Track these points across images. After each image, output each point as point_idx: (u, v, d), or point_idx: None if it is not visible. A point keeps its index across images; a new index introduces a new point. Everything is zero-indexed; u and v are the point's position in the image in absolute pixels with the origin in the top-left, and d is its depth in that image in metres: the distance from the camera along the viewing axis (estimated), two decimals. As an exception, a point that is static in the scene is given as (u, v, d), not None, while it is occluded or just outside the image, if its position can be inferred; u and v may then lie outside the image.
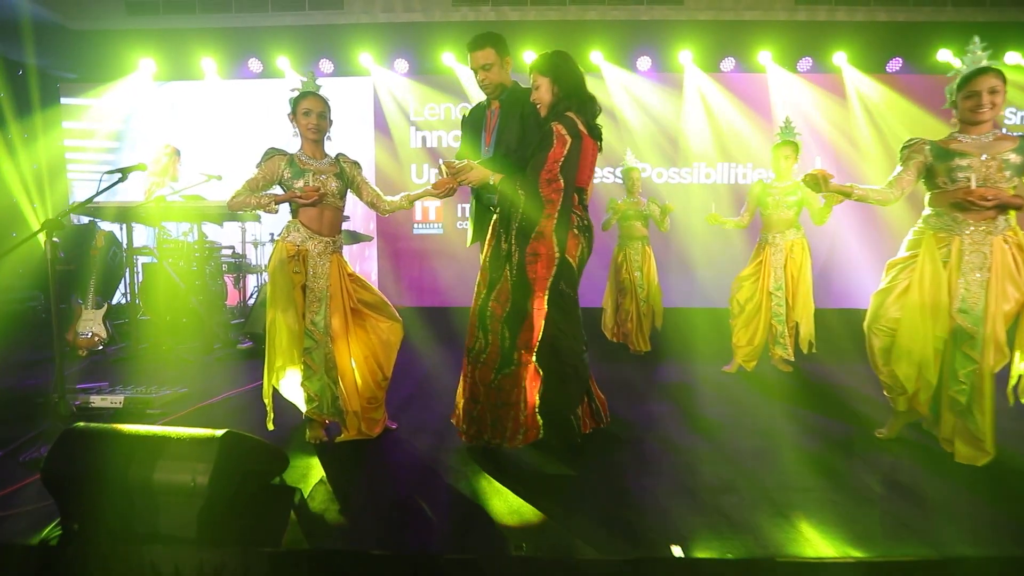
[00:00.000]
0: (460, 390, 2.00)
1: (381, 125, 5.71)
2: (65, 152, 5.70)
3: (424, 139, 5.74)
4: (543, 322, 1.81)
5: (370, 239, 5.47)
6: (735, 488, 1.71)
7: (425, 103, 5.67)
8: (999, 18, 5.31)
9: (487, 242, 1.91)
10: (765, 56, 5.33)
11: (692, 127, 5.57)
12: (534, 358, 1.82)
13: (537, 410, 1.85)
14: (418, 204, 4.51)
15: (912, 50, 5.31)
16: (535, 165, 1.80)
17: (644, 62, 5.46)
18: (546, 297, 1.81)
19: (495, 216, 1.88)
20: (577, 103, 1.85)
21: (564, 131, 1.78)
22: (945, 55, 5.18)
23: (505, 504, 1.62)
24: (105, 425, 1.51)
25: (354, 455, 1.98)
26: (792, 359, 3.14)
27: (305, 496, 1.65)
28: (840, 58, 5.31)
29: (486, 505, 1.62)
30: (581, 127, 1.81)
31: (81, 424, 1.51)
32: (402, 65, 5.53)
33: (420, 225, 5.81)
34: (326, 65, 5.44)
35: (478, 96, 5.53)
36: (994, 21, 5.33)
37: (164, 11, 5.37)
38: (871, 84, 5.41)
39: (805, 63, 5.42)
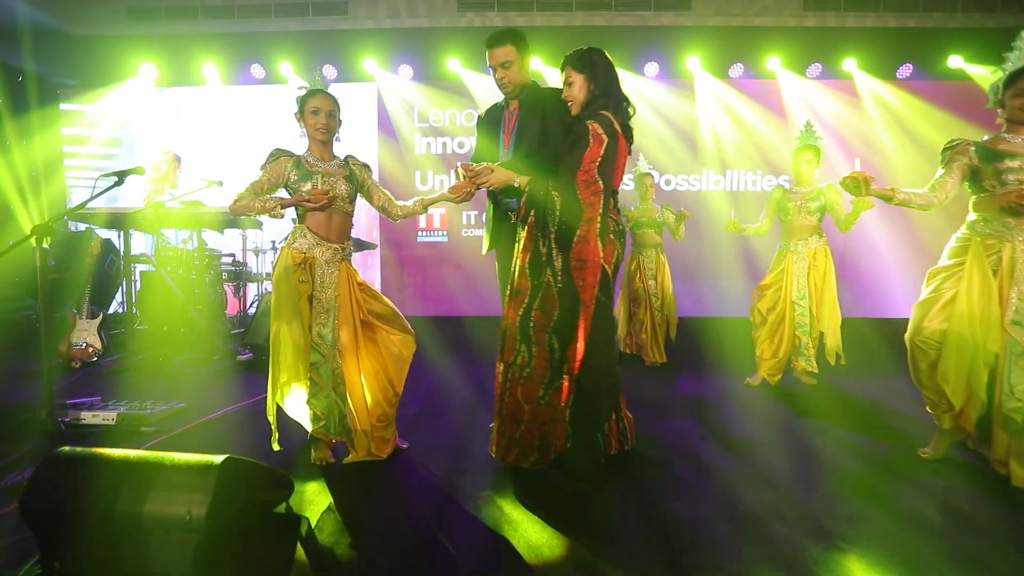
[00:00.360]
0: (497, 411, 1.84)
1: (385, 131, 5.63)
2: (64, 158, 5.60)
3: (429, 145, 5.66)
4: (589, 331, 1.68)
5: (374, 247, 5.35)
6: (781, 515, 1.57)
7: (430, 109, 5.59)
8: (1010, 23, 5.26)
9: (522, 247, 1.78)
10: (774, 62, 5.27)
11: (702, 133, 5.49)
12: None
13: (568, 422, 1.71)
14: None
15: (923, 56, 5.25)
16: (570, 166, 1.68)
17: (652, 68, 5.40)
18: (595, 307, 1.69)
19: (530, 219, 1.76)
20: (614, 102, 1.75)
21: (600, 130, 1.67)
22: (956, 61, 5.13)
23: (532, 534, 1.48)
24: (91, 450, 1.37)
25: (363, 479, 1.84)
26: (816, 371, 3.01)
27: (313, 527, 1.51)
28: (850, 64, 5.24)
29: (511, 536, 1.48)
30: (617, 127, 1.71)
31: (66, 449, 1.37)
32: (407, 71, 5.46)
33: (424, 233, 5.69)
34: (329, 71, 5.37)
35: (485, 101, 5.41)
36: (1005, 26, 5.29)
37: (166, 17, 5.30)
38: (885, 88, 5.34)
39: (815, 69, 5.36)
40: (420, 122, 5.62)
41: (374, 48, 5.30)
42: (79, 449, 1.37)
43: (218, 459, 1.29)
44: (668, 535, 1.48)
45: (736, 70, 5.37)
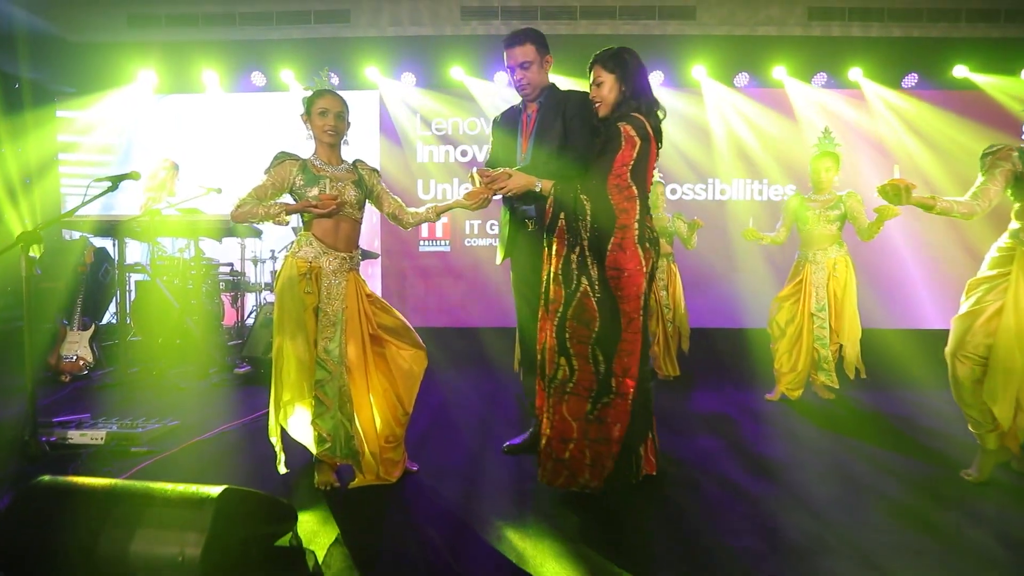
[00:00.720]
0: (542, 431, 1.72)
1: (388, 140, 5.55)
2: (59, 165, 5.49)
3: (432, 153, 5.58)
4: (640, 346, 1.58)
5: (376, 256, 5.25)
6: (828, 547, 1.45)
7: (433, 117, 5.53)
8: (1014, 34, 5.27)
9: (554, 252, 1.68)
10: (780, 71, 5.25)
11: (710, 141, 5.44)
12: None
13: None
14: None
15: (928, 66, 5.25)
16: (600, 169, 1.59)
17: (657, 76, 5.36)
18: (641, 318, 1.58)
19: (560, 223, 1.65)
20: (646, 104, 1.66)
21: (633, 132, 1.58)
22: (962, 71, 5.13)
23: (560, 570, 1.35)
24: (73, 480, 1.24)
25: (372, 505, 1.70)
26: (837, 386, 2.89)
27: (319, 561, 1.37)
28: (856, 73, 5.23)
29: (536, 572, 1.35)
30: (649, 129, 1.62)
31: (46, 478, 1.24)
32: (409, 79, 5.40)
33: (427, 242, 5.59)
34: (332, 79, 5.30)
35: (490, 108, 5.29)
36: (1009, 37, 5.29)
37: (166, 24, 5.24)
38: (894, 96, 5.32)
39: (820, 78, 5.34)
40: (423, 130, 5.55)
41: (376, 56, 5.24)
42: (60, 479, 1.24)
43: (215, 491, 1.17)
44: (713, 572, 1.35)
45: (742, 79, 5.34)
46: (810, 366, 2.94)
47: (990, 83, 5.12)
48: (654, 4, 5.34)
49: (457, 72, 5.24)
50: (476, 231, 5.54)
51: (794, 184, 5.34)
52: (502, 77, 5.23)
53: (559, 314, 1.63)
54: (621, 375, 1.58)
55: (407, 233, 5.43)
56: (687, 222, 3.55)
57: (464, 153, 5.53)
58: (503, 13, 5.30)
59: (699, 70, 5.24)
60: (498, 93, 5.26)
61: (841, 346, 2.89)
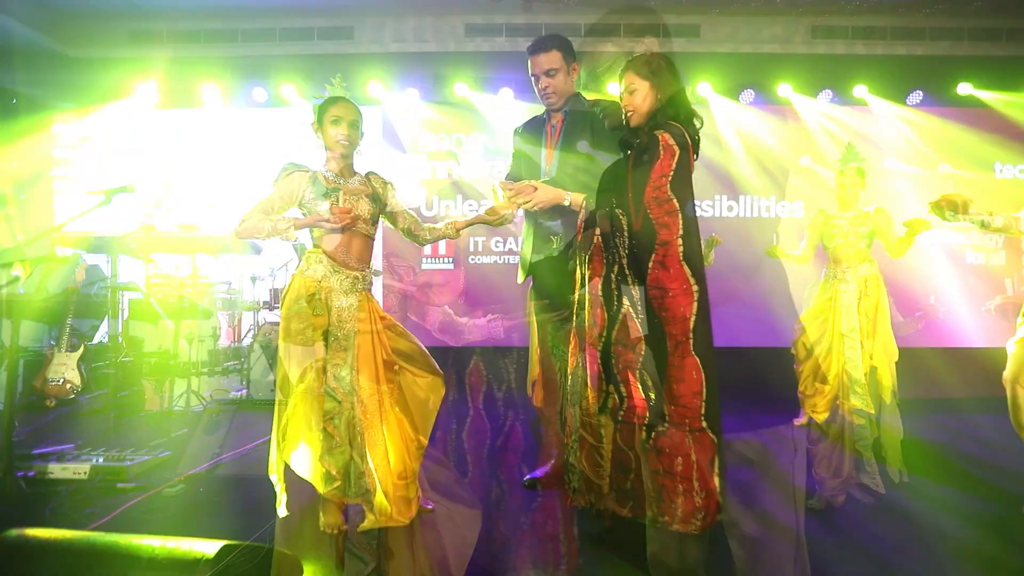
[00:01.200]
0: (606, 463, 1.60)
1: (389, 156, 5.47)
2: (53, 181, 5.37)
3: (435, 170, 5.50)
4: (699, 375, 1.44)
5: (378, 274, 5.11)
6: (904, 603, 1.29)
7: (436, 133, 5.46)
8: (1016, 52, 5.30)
9: (591, 272, 1.55)
10: (786, 88, 5.24)
11: (721, 158, 5.38)
12: (703, 423, 1.44)
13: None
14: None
15: (933, 83, 5.26)
16: (636, 182, 1.48)
17: (663, 92, 5.33)
18: (692, 343, 1.45)
19: (596, 240, 1.53)
20: (684, 114, 1.55)
21: (672, 141, 1.48)
22: (966, 88, 5.13)
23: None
24: (47, 534, 1.07)
25: (385, 551, 1.53)
26: (872, 411, 2.74)
27: (327, 627, 1.20)
28: (861, 91, 5.23)
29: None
30: (688, 139, 1.51)
31: (13, 533, 1.07)
32: (412, 94, 5.35)
33: (429, 260, 5.46)
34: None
35: (496, 124, 5.17)
36: (1012, 55, 5.33)
37: (168, 40, 5.19)
38: (903, 112, 5.30)
39: (826, 95, 5.34)
40: (426, 147, 5.48)
41: (380, 72, 5.19)
42: (28, 534, 1.07)
43: (210, 550, 1.00)
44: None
45: (747, 96, 5.33)
46: (838, 389, 2.80)
47: (996, 99, 5.12)
48: (658, 22, 5.35)
49: (461, 88, 5.20)
50: (481, 248, 5.42)
51: (802, 200, 5.28)
52: (507, 92, 5.19)
53: (603, 339, 1.51)
54: (671, 403, 1.44)
55: (409, 250, 5.30)
56: (703, 239, 3.44)
57: (468, 169, 5.45)
58: (508, 30, 5.30)
59: (704, 87, 5.22)
60: (502, 110, 5.21)
61: (874, 369, 2.75)
